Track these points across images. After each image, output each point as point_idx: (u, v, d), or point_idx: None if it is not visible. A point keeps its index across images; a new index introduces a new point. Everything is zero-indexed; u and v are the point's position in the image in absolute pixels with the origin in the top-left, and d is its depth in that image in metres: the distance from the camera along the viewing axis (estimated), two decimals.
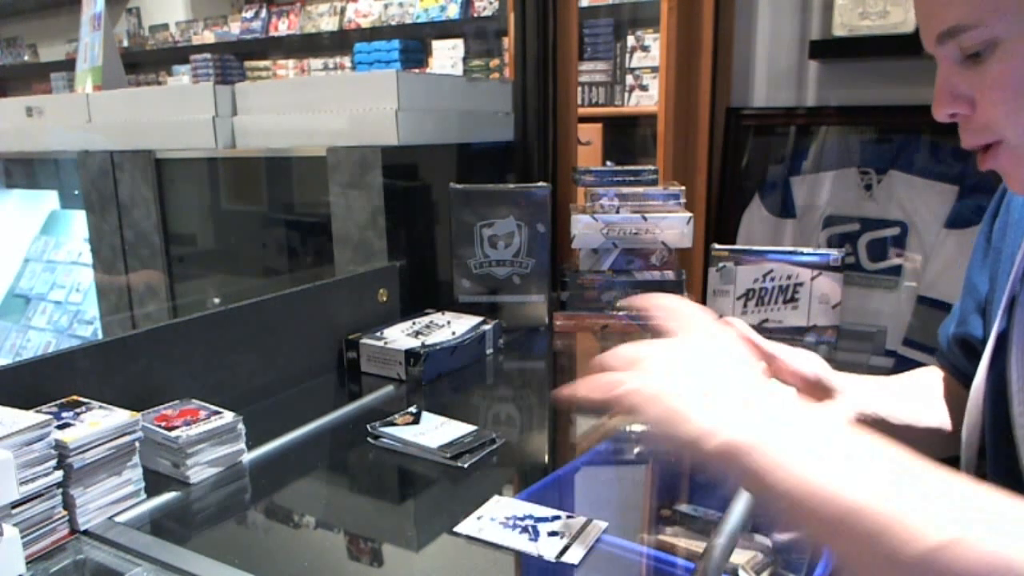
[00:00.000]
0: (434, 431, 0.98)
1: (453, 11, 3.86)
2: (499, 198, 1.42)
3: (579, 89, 2.66)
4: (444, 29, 3.92)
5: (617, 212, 1.46)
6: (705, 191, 1.91)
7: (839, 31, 1.68)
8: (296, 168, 1.61)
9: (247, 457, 0.93)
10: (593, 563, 0.73)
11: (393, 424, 1.00)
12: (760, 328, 1.38)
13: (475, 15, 3.81)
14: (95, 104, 1.92)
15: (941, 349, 0.89)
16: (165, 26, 5.06)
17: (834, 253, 1.34)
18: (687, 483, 0.92)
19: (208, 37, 4.78)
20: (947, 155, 1.70)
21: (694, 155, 1.90)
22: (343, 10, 4.26)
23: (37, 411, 0.80)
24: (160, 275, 1.81)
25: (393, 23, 4.06)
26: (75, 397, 0.86)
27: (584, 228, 1.45)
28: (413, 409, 1.05)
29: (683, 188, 1.48)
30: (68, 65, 5.20)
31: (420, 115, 1.49)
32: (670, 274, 1.47)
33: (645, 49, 3.18)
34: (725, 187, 1.93)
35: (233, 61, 4.69)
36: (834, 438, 0.50)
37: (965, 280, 0.84)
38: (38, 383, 0.85)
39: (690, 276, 1.58)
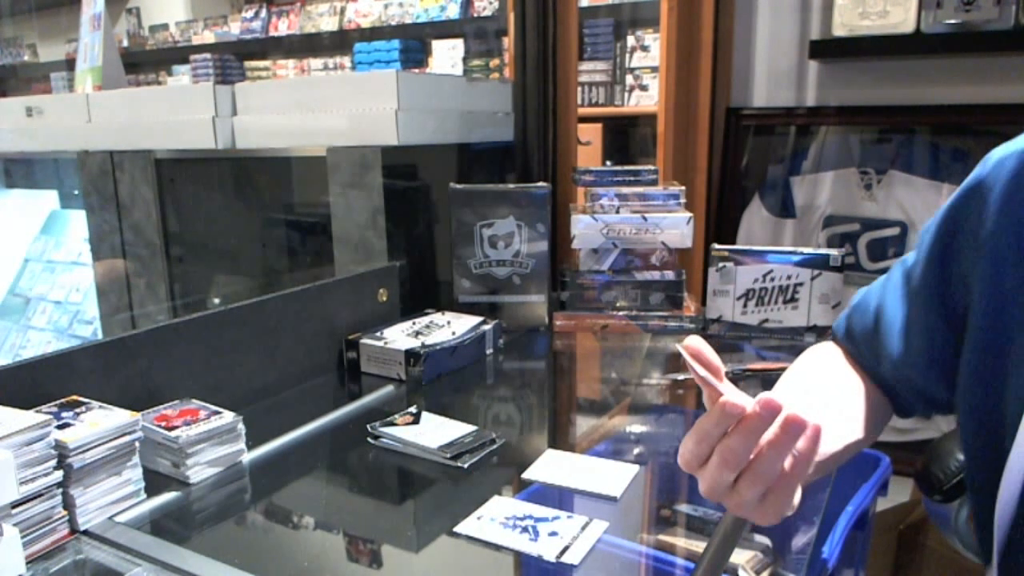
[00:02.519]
0: (434, 431, 0.98)
1: (453, 11, 3.85)
2: (499, 198, 1.42)
3: (579, 89, 2.66)
4: (444, 29, 3.92)
5: (617, 212, 1.46)
6: (705, 191, 1.91)
7: (839, 31, 1.68)
8: (296, 168, 1.61)
9: (247, 457, 0.93)
10: (593, 563, 0.73)
11: (393, 424, 1.00)
12: (760, 328, 1.39)
13: (475, 15, 3.81)
14: (95, 104, 1.92)
15: (881, 364, 0.79)
16: (165, 26, 5.06)
17: (834, 253, 1.34)
18: (687, 483, 0.92)
19: (208, 37, 4.78)
20: (947, 155, 1.71)
21: (694, 155, 1.90)
22: (343, 10, 4.26)
23: (37, 411, 0.80)
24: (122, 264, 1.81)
25: (393, 23, 4.06)
26: (75, 397, 0.86)
27: (584, 228, 1.45)
28: (413, 409, 1.05)
29: (683, 188, 1.48)
30: (68, 65, 5.20)
31: (420, 115, 1.49)
32: (670, 274, 1.47)
33: (645, 49, 3.17)
34: (725, 187, 1.94)
35: (233, 61, 4.68)
36: None
37: (916, 313, 0.74)
38: (38, 383, 0.85)
39: (690, 276, 1.58)
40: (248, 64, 4.68)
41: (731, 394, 0.52)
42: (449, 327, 1.31)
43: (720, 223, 1.94)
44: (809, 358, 0.84)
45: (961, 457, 0.98)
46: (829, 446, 0.66)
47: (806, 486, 0.61)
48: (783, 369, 1.23)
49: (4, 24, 6.06)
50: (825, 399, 0.74)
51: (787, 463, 0.54)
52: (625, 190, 1.48)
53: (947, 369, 0.72)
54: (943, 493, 0.99)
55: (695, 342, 0.53)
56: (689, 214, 1.45)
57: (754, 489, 0.53)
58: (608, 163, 1.59)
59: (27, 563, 0.71)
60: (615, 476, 0.88)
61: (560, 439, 1.08)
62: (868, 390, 0.79)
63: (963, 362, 0.70)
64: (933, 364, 0.73)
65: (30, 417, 0.72)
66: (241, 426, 0.92)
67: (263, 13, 4.54)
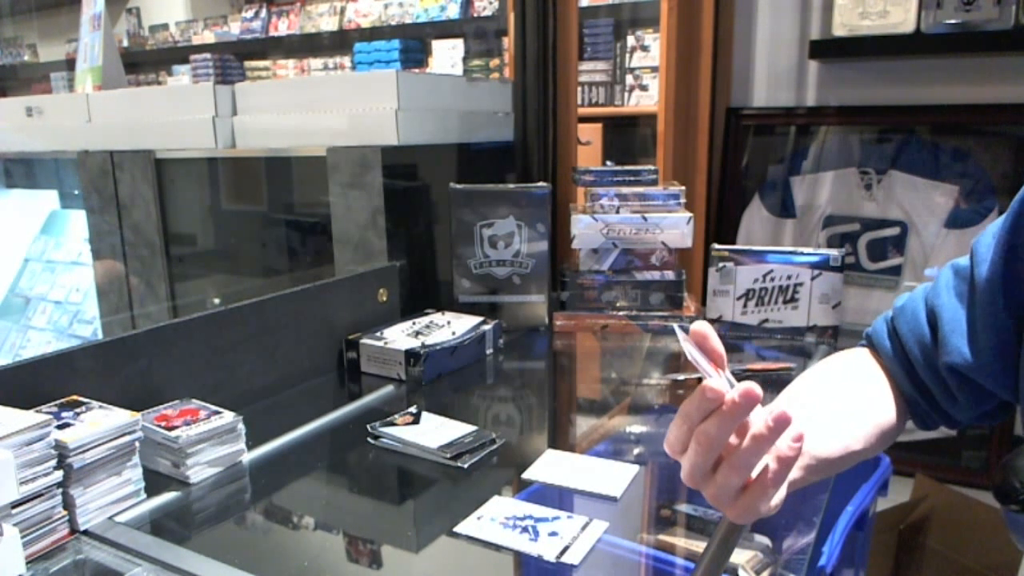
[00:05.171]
0: (434, 431, 0.98)
1: (453, 11, 3.85)
2: (499, 198, 1.42)
3: (579, 89, 2.66)
4: (444, 29, 3.92)
5: (617, 212, 1.46)
6: (705, 191, 1.91)
7: (839, 31, 1.68)
8: (296, 168, 1.61)
9: (247, 457, 0.93)
10: (593, 563, 0.73)
11: (393, 424, 1.00)
12: (760, 328, 1.39)
13: (475, 15, 3.81)
14: (95, 104, 1.92)
15: (905, 358, 0.78)
16: (165, 26, 5.06)
17: (834, 253, 1.34)
18: None
19: (208, 37, 4.78)
20: (947, 155, 1.71)
21: (694, 155, 1.90)
22: (343, 10, 4.26)
23: (37, 411, 0.80)
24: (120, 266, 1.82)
25: (393, 23, 4.06)
26: (75, 397, 0.86)
27: (584, 228, 1.45)
28: (413, 409, 1.05)
29: (683, 188, 1.48)
30: (68, 65, 5.20)
31: (420, 115, 1.49)
32: (670, 274, 1.47)
33: (645, 49, 3.17)
34: (725, 187, 1.94)
35: (233, 61, 4.68)
36: None
37: (984, 309, 0.71)
38: (38, 383, 0.85)
39: (690, 276, 1.58)
40: (248, 64, 4.68)
41: (715, 380, 0.52)
42: (449, 327, 1.31)
43: (720, 223, 1.94)
44: (833, 361, 0.83)
45: None
46: (831, 449, 0.66)
47: (800, 490, 0.60)
48: (783, 369, 1.23)
49: (4, 24, 6.06)
50: (837, 403, 0.73)
51: (769, 462, 0.54)
52: (625, 190, 1.48)
53: (1012, 365, 0.71)
54: (1020, 503, 0.98)
55: (702, 326, 0.53)
56: (689, 214, 1.45)
57: (730, 480, 0.53)
58: (608, 163, 1.59)
59: (27, 563, 0.71)
60: (615, 476, 0.88)
61: (560, 439, 1.08)
62: (892, 400, 0.77)
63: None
64: (999, 357, 0.71)
65: (30, 417, 0.72)
66: (241, 426, 0.92)
67: (263, 13, 4.54)
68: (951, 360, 0.73)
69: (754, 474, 0.54)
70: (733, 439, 0.53)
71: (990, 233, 0.73)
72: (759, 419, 0.53)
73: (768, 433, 0.52)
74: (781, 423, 0.52)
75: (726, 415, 0.52)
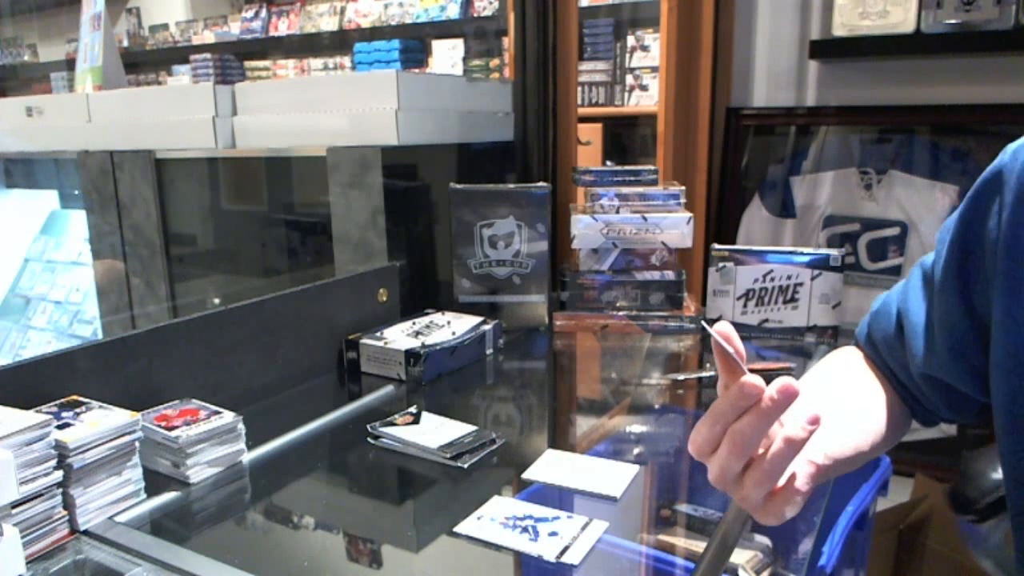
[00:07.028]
0: (434, 431, 0.98)
1: (453, 11, 3.85)
2: (499, 198, 1.42)
3: (579, 89, 2.66)
4: (444, 29, 3.92)
5: (617, 212, 1.46)
6: (705, 191, 1.91)
7: (839, 31, 1.68)
8: (296, 168, 1.61)
9: (247, 457, 0.93)
10: (593, 563, 0.73)
11: (393, 424, 1.00)
12: (760, 328, 1.39)
13: (475, 15, 3.81)
14: (95, 104, 1.92)
15: (903, 369, 0.77)
16: (165, 26, 5.06)
17: (834, 253, 1.34)
18: (687, 483, 0.92)
19: (208, 37, 4.78)
20: (947, 155, 1.71)
21: (694, 155, 1.90)
22: (343, 10, 4.26)
23: (37, 411, 0.80)
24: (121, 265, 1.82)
25: (393, 23, 4.06)
26: (75, 397, 0.86)
27: (584, 228, 1.45)
28: (413, 409, 1.05)
29: (683, 188, 1.48)
30: (68, 65, 5.20)
31: (420, 115, 1.49)
32: (670, 274, 1.47)
33: (645, 49, 3.17)
34: (725, 187, 1.94)
35: (233, 61, 4.68)
36: None
37: (938, 310, 0.70)
38: (38, 383, 0.85)
39: (690, 276, 1.58)
40: (248, 64, 4.68)
41: (752, 377, 0.51)
42: (449, 327, 1.31)
43: (720, 223, 1.94)
44: (832, 361, 0.82)
45: (995, 476, 0.94)
46: (843, 449, 0.65)
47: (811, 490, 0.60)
48: (783, 369, 1.23)
49: (4, 24, 6.06)
50: (843, 404, 0.72)
51: (799, 467, 0.53)
52: (625, 190, 1.48)
53: (974, 366, 0.69)
54: (977, 513, 0.95)
55: (725, 327, 0.53)
56: (689, 214, 1.45)
57: (763, 485, 0.53)
58: (608, 163, 1.59)
59: (27, 563, 0.71)
60: (615, 476, 0.88)
61: (560, 439, 1.08)
62: (889, 398, 0.77)
63: (992, 364, 0.66)
64: (958, 359, 0.70)
65: (30, 417, 0.72)
66: (241, 426, 0.92)
67: (263, 13, 4.54)
68: (914, 363, 0.73)
69: (782, 480, 0.54)
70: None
71: (946, 228, 0.72)
72: (792, 422, 0.52)
73: (806, 436, 0.51)
74: (816, 426, 0.51)
75: (763, 413, 0.51)
